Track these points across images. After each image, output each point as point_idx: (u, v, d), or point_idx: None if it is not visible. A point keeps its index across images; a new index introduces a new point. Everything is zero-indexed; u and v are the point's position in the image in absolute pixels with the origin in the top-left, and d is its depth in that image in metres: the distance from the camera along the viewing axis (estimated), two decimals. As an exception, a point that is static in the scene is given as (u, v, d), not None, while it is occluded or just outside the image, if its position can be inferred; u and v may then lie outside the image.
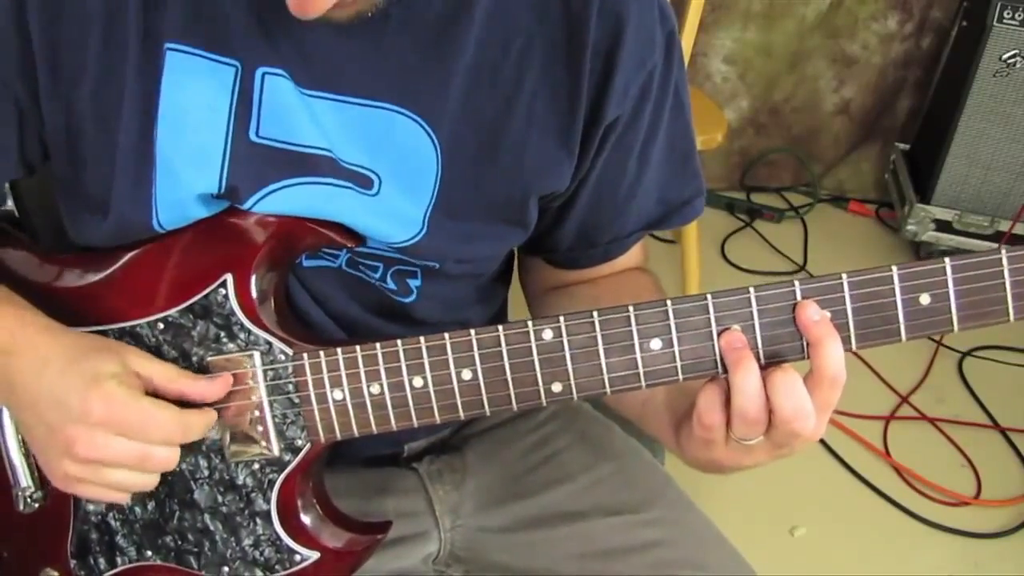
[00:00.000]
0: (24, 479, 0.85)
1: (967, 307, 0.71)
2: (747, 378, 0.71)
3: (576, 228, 0.93)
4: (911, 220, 2.71)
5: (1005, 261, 0.70)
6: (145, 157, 0.78)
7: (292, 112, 0.79)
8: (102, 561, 0.86)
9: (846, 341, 0.72)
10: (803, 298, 0.72)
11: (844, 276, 0.72)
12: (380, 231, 0.82)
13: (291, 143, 0.79)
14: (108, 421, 0.75)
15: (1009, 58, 2.49)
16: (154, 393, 0.78)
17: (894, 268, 0.71)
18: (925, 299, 0.71)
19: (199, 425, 0.79)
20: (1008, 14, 2.45)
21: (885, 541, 1.94)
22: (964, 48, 2.63)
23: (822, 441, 2.11)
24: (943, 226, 2.69)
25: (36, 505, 0.85)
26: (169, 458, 0.78)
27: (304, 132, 0.79)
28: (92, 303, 0.82)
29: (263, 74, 0.78)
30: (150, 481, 0.80)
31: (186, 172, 0.79)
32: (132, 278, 0.82)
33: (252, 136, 0.79)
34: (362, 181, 0.81)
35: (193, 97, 0.78)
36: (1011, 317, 0.71)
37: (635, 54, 0.83)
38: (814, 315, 0.71)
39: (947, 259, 0.71)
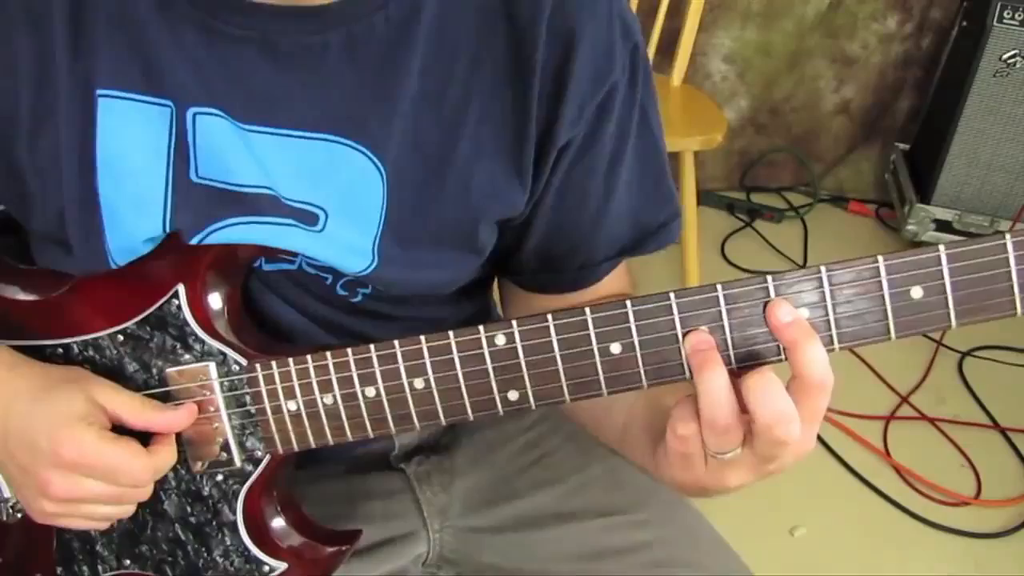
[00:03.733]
0: (4, 491, 0.84)
1: (966, 300, 0.65)
2: (712, 381, 0.66)
3: (538, 251, 0.90)
4: (911, 220, 2.70)
5: (1010, 247, 0.63)
6: (91, 208, 0.77)
7: (228, 151, 0.77)
8: (86, 569, 0.86)
9: (827, 341, 0.66)
10: (776, 295, 0.67)
11: (823, 269, 0.66)
12: (333, 261, 0.81)
13: (230, 183, 0.78)
14: (78, 465, 0.75)
15: (1009, 58, 2.49)
16: (121, 425, 0.77)
17: (880, 259, 0.65)
18: (917, 292, 0.65)
19: (167, 463, 0.79)
20: (1008, 14, 2.45)
21: (885, 541, 1.94)
22: (964, 48, 2.63)
23: (822, 441, 2.10)
24: (943, 226, 2.69)
25: (18, 515, 0.85)
26: (143, 493, 0.79)
27: (242, 171, 0.77)
28: (57, 316, 0.82)
29: (194, 114, 0.76)
30: (127, 511, 0.81)
31: (131, 219, 0.78)
32: (93, 292, 0.81)
33: (192, 176, 0.77)
34: (306, 218, 0.79)
35: (130, 142, 0.76)
36: (1019, 310, 0.65)
37: (590, 71, 0.80)
38: (785, 316, 0.66)
39: (941, 247, 0.64)
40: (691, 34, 2.28)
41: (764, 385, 0.65)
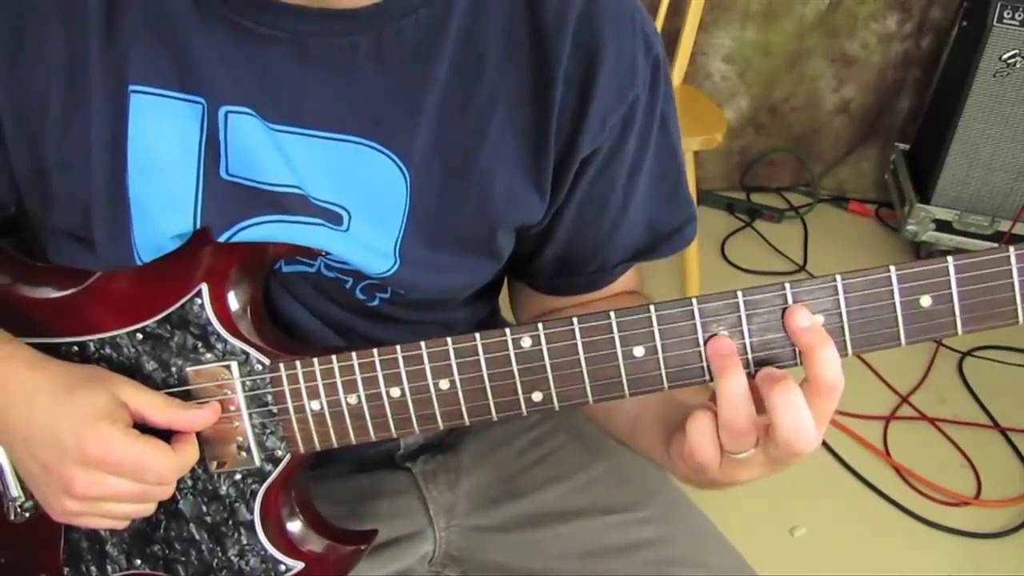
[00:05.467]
0: (14, 490, 0.84)
1: (972, 309, 0.67)
2: (732, 387, 0.68)
3: (556, 258, 0.91)
4: (911, 220, 2.70)
5: (1013, 259, 0.66)
6: (120, 204, 0.78)
7: (259, 150, 0.78)
8: (94, 569, 0.86)
9: (841, 346, 0.69)
10: (793, 301, 0.69)
11: (838, 277, 0.68)
12: (357, 262, 0.81)
13: (260, 181, 0.78)
14: (104, 463, 0.75)
15: (1009, 58, 2.49)
16: (143, 423, 0.77)
17: (892, 268, 0.68)
18: (926, 301, 0.68)
19: (191, 462, 0.79)
20: (1008, 14, 2.45)
21: (885, 541, 1.94)
22: (964, 48, 2.63)
23: (822, 441, 2.10)
24: (943, 226, 2.69)
25: (27, 515, 0.85)
26: (166, 491, 0.79)
27: (272, 170, 0.78)
28: (73, 314, 0.82)
29: (226, 112, 0.77)
30: (149, 509, 0.81)
31: (161, 216, 0.78)
32: (111, 289, 0.81)
33: (223, 174, 0.78)
34: (332, 217, 0.80)
35: (161, 139, 0.77)
36: (1020, 319, 0.67)
37: (614, 86, 0.80)
38: (803, 321, 0.68)
39: (950, 258, 0.67)
40: (691, 34, 2.28)
41: (788, 400, 0.67)
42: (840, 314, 0.69)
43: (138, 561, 0.85)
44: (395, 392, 0.76)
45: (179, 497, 0.83)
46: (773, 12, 2.83)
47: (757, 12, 2.83)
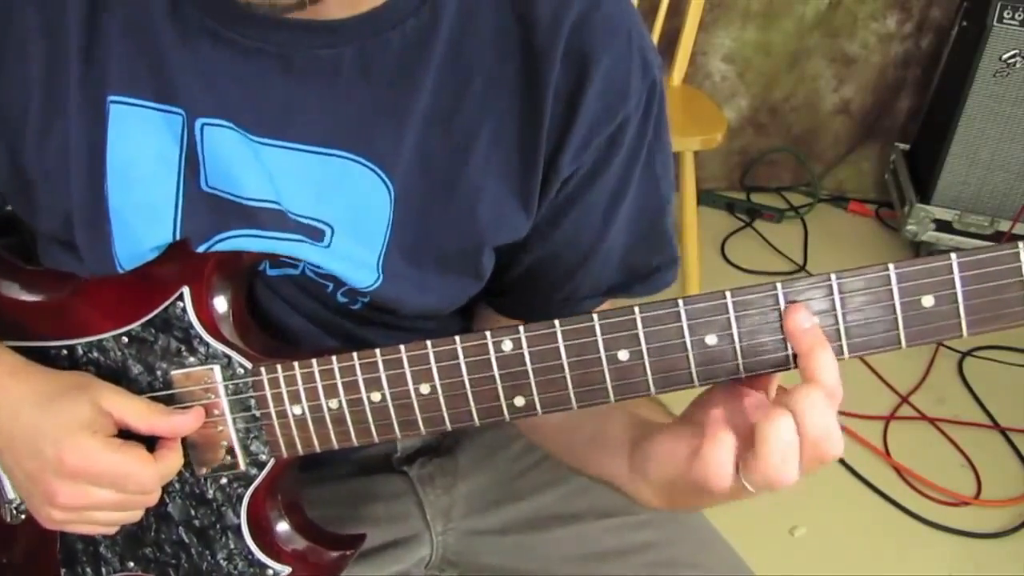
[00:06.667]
0: (9, 492, 0.85)
1: (978, 309, 0.63)
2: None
3: (522, 277, 0.88)
4: (911, 220, 2.70)
5: (1023, 256, 0.62)
6: (99, 214, 0.77)
7: (236, 163, 0.76)
8: (89, 570, 0.86)
9: (837, 350, 0.65)
10: (785, 302, 0.65)
11: (833, 277, 0.64)
12: (340, 274, 0.80)
13: (238, 196, 0.77)
14: (85, 474, 0.75)
15: (1009, 58, 2.49)
16: (127, 429, 0.77)
17: (891, 267, 0.64)
18: (928, 301, 0.63)
19: (174, 468, 0.79)
20: (1008, 14, 2.45)
21: (885, 541, 1.94)
22: (964, 48, 2.63)
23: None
24: (943, 226, 2.68)
25: (23, 517, 0.85)
26: (150, 499, 0.79)
27: (250, 185, 0.77)
28: (61, 317, 0.82)
29: (203, 125, 0.76)
30: (135, 516, 0.81)
31: (140, 226, 0.77)
32: (97, 293, 0.81)
33: (203, 186, 0.77)
34: (312, 233, 0.79)
35: (141, 150, 0.76)
36: None
37: (602, 102, 0.78)
38: (804, 322, 0.64)
39: (953, 255, 0.63)
40: (691, 34, 2.28)
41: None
42: (835, 315, 0.65)
43: (131, 563, 0.85)
44: (376, 397, 0.75)
45: (168, 501, 0.83)
46: (773, 12, 2.83)
47: (757, 12, 2.82)
